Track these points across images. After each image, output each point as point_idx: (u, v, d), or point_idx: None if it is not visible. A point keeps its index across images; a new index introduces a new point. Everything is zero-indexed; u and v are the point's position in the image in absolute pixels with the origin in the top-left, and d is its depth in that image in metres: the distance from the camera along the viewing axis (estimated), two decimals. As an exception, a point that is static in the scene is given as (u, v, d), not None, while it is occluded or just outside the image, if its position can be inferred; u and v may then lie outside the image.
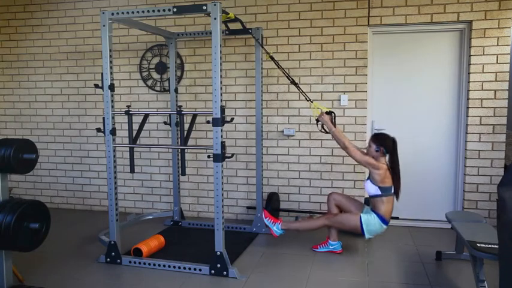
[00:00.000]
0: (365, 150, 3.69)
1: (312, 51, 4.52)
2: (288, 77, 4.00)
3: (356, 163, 4.50)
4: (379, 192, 3.51)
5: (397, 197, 3.61)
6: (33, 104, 5.40)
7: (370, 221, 3.53)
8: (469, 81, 4.25)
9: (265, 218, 3.81)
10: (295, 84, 4.01)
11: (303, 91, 4.03)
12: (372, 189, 3.54)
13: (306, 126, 4.60)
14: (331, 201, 3.80)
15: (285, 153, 4.69)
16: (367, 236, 3.57)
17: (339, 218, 3.66)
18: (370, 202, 3.66)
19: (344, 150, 3.57)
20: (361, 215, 3.57)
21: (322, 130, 3.78)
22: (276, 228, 3.76)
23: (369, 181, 3.58)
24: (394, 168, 3.57)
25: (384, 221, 3.54)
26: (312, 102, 3.94)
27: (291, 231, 3.99)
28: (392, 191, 3.56)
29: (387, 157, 3.59)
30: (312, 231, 3.80)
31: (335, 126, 3.65)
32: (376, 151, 3.53)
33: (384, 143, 3.54)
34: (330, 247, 3.77)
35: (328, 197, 3.83)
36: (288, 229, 3.79)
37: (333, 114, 3.70)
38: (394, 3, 4.29)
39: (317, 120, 3.75)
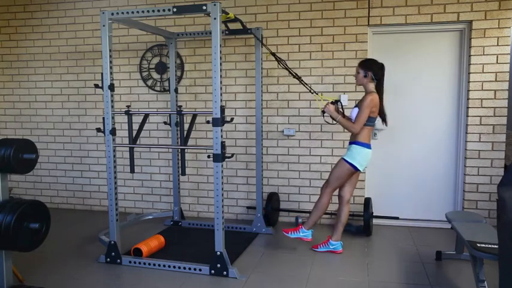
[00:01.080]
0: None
1: (312, 51, 4.52)
2: (290, 71, 3.98)
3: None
4: (365, 122, 3.50)
5: (386, 123, 3.66)
6: (33, 104, 5.41)
7: (354, 155, 3.54)
8: (469, 81, 4.25)
9: (288, 233, 3.73)
10: (298, 78, 3.98)
11: (306, 84, 4.01)
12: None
13: (306, 126, 4.60)
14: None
15: (285, 153, 4.69)
16: (361, 168, 3.57)
17: (332, 178, 3.63)
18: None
19: (356, 132, 3.52)
20: (344, 158, 3.59)
21: (329, 121, 3.78)
22: (303, 234, 3.70)
23: (356, 109, 3.53)
24: (380, 93, 3.54)
25: (365, 145, 3.54)
26: (316, 93, 3.95)
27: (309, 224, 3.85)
28: (376, 121, 3.58)
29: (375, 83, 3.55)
30: (326, 209, 3.71)
31: (344, 115, 3.63)
32: (364, 76, 3.51)
33: (372, 68, 3.49)
34: (331, 247, 3.75)
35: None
36: (312, 224, 3.71)
37: (340, 103, 3.68)
38: (394, 3, 4.29)
39: (323, 112, 3.69)
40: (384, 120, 3.66)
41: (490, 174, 4.27)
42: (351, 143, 3.61)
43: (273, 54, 4.03)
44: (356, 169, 3.57)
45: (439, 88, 4.42)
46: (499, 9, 4.11)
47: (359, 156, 3.54)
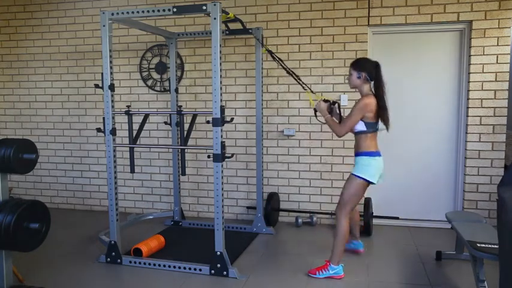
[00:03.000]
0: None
1: (312, 51, 4.52)
2: (285, 68, 3.89)
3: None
4: (365, 128, 3.12)
5: (388, 127, 3.19)
6: (33, 104, 5.40)
7: (363, 168, 3.12)
8: (469, 81, 4.25)
9: (315, 274, 3.27)
10: (292, 74, 3.83)
11: (299, 80, 3.83)
12: (357, 124, 3.13)
13: (306, 126, 4.60)
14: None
15: (285, 153, 4.69)
16: (374, 180, 3.13)
17: (345, 197, 3.20)
18: (355, 141, 3.26)
19: (340, 135, 3.19)
20: (353, 173, 3.18)
21: (318, 118, 3.47)
22: (333, 271, 3.24)
23: (361, 122, 3.14)
24: (379, 95, 3.11)
25: (372, 153, 3.13)
26: (313, 92, 3.74)
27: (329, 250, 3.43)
28: (378, 126, 3.19)
29: (372, 84, 3.17)
30: (348, 234, 3.29)
31: (341, 116, 3.32)
32: (358, 78, 3.13)
33: (365, 68, 3.12)
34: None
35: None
36: (340, 256, 3.25)
37: (337, 104, 3.33)
38: (394, 3, 4.29)
39: (315, 110, 3.40)
40: (386, 124, 3.19)
41: (490, 174, 4.27)
42: (356, 154, 3.21)
43: (269, 51, 3.99)
44: (369, 182, 3.16)
45: (439, 88, 4.42)
46: (499, 9, 4.11)
47: (369, 168, 3.12)
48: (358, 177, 3.15)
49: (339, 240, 3.22)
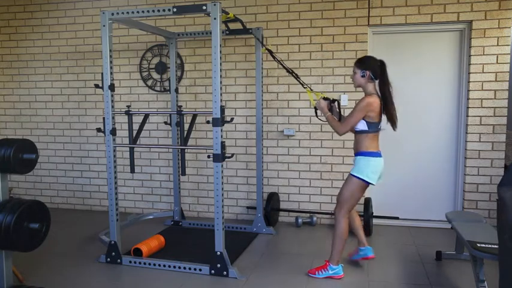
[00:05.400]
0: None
1: (312, 51, 4.52)
2: (284, 67, 3.88)
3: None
4: (366, 128, 3.07)
5: (395, 127, 3.17)
6: (33, 104, 5.40)
7: (362, 168, 3.08)
8: (469, 81, 4.25)
9: (315, 274, 3.27)
10: (291, 73, 3.82)
11: (299, 79, 3.81)
12: (359, 124, 3.09)
13: (306, 126, 4.60)
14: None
15: (285, 153, 4.69)
16: (373, 181, 3.09)
17: (343, 198, 3.16)
18: (354, 140, 3.21)
19: (340, 134, 3.17)
20: (351, 173, 3.14)
21: (319, 117, 3.46)
22: (333, 272, 3.24)
23: (363, 121, 3.10)
24: (384, 94, 3.09)
25: (372, 153, 3.09)
26: (312, 90, 3.68)
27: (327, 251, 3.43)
28: (380, 126, 3.13)
29: (376, 83, 3.11)
30: (347, 235, 3.25)
31: (341, 115, 3.31)
32: (362, 76, 3.09)
33: (370, 66, 3.08)
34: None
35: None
36: (339, 256, 3.25)
37: (337, 102, 3.30)
38: (394, 3, 4.30)
39: (315, 108, 3.40)
40: (393, 124, 3.17)
41: (490, 174, 4.27)
42: (355, 154, 3.17)
43: (269, 50, 3.99)
44: (367, 183, 3.11)
45: (439, 88, 4.42)
46: (499, 9, 4.11)
47: (367, 169, 3.07)
48: (356, 177, 3.11)
49: (338, 240, 3.22)
